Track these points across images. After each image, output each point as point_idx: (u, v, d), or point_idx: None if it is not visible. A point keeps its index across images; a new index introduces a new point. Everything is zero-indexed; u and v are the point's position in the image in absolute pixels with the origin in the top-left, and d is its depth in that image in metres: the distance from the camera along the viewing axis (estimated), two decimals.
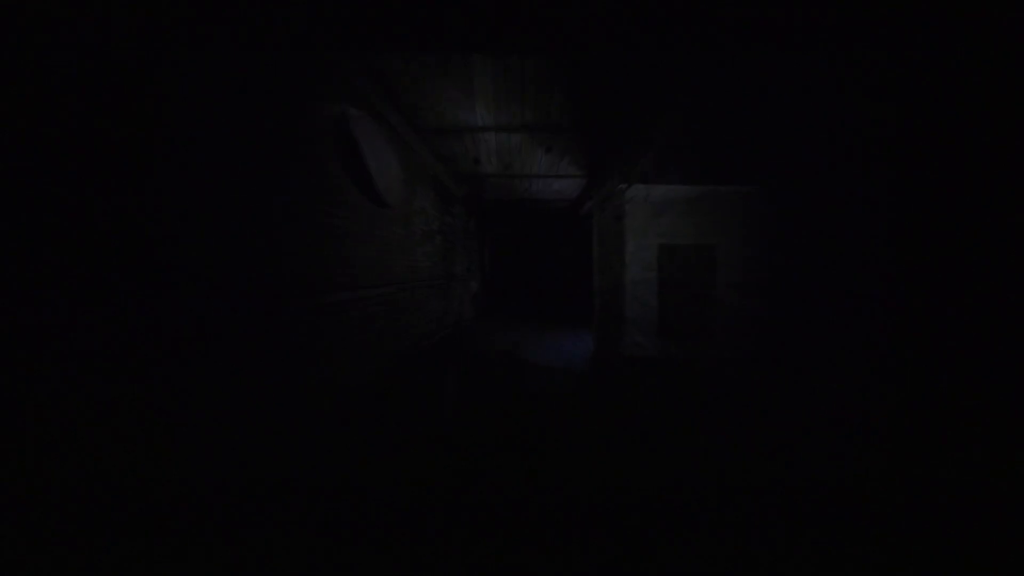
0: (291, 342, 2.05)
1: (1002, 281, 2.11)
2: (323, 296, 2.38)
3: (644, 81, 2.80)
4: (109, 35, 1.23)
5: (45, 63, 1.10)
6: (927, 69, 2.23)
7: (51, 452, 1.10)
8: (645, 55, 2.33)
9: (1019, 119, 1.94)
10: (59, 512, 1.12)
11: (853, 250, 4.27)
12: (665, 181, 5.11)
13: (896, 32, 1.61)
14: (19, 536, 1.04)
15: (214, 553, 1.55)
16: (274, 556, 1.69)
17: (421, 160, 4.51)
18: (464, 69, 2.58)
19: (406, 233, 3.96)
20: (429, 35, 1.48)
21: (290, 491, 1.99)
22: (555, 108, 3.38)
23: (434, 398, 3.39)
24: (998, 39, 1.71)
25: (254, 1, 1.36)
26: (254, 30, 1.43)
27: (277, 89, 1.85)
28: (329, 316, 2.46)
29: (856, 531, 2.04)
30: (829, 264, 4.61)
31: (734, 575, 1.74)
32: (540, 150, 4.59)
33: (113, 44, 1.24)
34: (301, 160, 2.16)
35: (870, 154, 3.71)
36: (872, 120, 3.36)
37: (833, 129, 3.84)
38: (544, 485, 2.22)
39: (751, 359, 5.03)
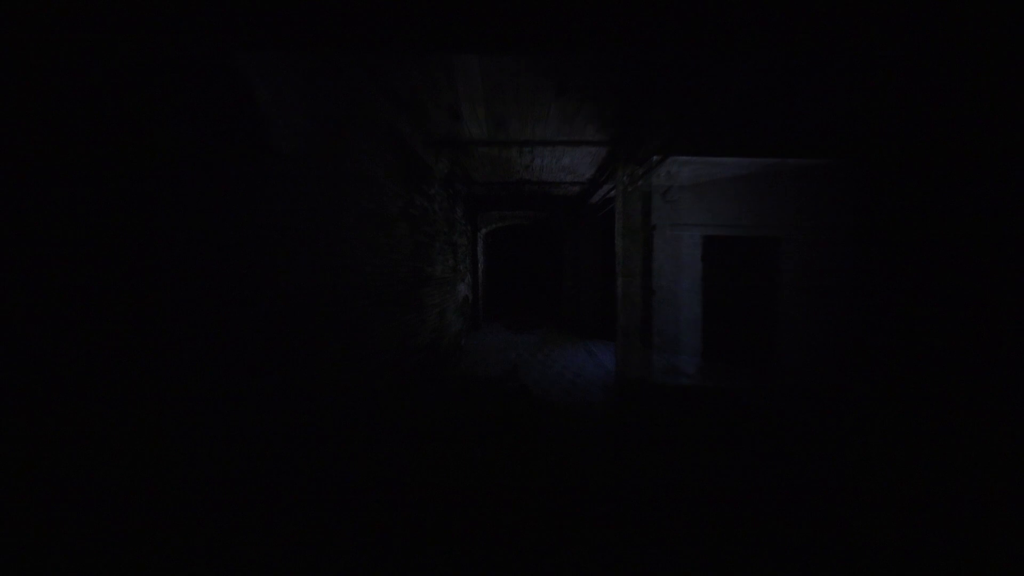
0: None
1: (1002, 281, 2.21)
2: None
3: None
4: (109, 35, 1.29)
5: (45, 63, 1.14)
6: (927, 69, 2.29)
7: (51, 452, 1.15)
8: (645, 55, 2.31)
9: (1019, 119, 2.08)
10: (59, 512, 1.16)
11: (852, 249, 4.29)
12: (718, 152, 4.02)
13: (896, 32, 1.59)
14: (19, 536, 1.08)
15: (214, 553, 1.60)
16: (274, 556, 1.80)
17: (365, 98, 3.05)
18: None
19: (331, 210, 2.63)
20: (428, 35, 1.55)
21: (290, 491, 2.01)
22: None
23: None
24: (998, 39, 1.71)
25: (253, 1, 1.42)
26: (253, 30, 1.49)
27: None
28: None
29: (856, 531, 2.13)
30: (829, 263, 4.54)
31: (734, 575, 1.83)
32: (549, 93, 3.33)
33: (113, 44, 1.29)
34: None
35: (869, 154, 3.88)
36: (872, 119, 3.40)
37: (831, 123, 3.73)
38: None
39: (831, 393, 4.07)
